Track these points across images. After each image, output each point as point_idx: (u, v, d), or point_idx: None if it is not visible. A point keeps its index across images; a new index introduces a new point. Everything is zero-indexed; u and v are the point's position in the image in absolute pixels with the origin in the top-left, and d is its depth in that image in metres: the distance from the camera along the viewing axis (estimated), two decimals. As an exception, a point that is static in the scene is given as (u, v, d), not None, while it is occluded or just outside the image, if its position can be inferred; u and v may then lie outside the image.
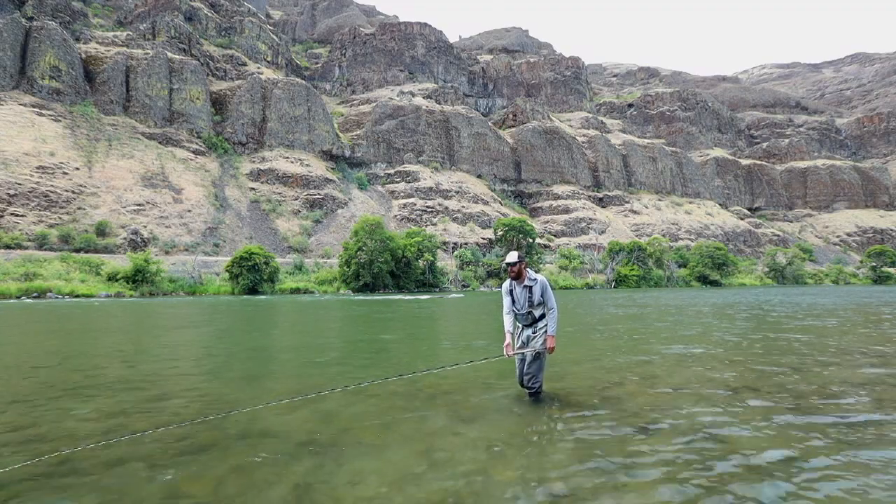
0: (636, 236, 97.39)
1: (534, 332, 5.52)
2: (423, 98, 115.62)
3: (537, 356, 5.50)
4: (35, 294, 37.68)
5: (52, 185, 57.39)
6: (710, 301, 30.44)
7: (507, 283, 5.63)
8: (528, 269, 5.63)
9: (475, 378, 6.95)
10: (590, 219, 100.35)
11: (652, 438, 4.36)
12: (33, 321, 18.19)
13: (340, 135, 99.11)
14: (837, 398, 5.81)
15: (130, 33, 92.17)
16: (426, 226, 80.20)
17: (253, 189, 78.32)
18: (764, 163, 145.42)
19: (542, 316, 5.53)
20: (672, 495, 3.27)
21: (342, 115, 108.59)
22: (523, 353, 5.56)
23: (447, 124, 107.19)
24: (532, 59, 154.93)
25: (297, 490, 3.36)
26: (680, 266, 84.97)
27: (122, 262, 47.17)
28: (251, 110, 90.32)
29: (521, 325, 5.66)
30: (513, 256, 5.49)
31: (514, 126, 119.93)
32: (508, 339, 5.48)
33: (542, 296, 5.42)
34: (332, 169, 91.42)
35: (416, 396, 5.93)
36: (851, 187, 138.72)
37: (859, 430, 4.61)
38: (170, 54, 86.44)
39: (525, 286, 5.50)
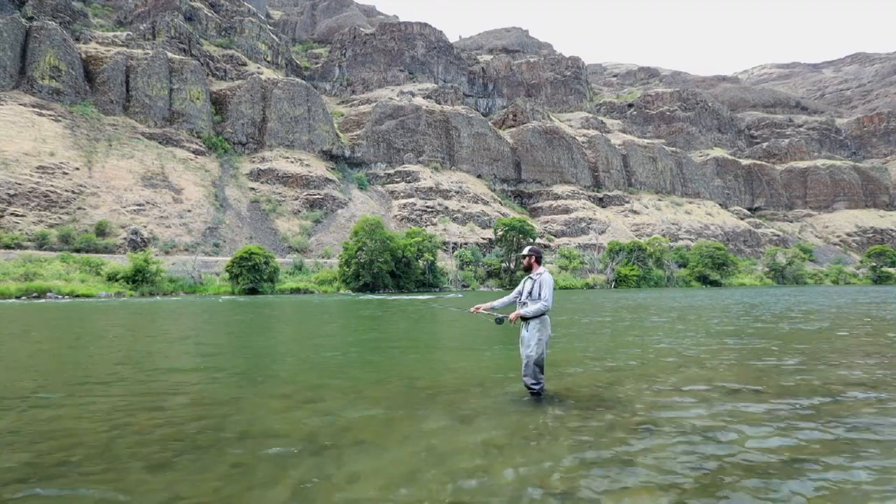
0: (636, 236, 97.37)
1: (527, 331, 5.58)
2: (423, 98, 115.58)
3: (531, 360, 5.54)
4: (35, 294, 37.67)
5: (52, 185, 57.38)
6: (709, 301, 30.44)
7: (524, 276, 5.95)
8: (540, 264, 5.84)
9: (475, 378, 6.95)
10: (590, 219, 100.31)
11: (652, 438, 4.37)
12: (33, 321, 18.19)
13: (340, 135, 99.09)
14: (838, 398, 5.81)
15: (130, 33, 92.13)
16: (426, 226, 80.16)
17: (253, 189, 78.30)
18: (764, 163, 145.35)
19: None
20: (672, 495, 3.27)
21: (342, 115, 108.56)
22: (496, 317, 5.77)
23: (447, 124, 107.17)
24: (532, 59, 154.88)
25: (297, 490, 3.37)
26: (680, 266, 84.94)
27: (122, 262, 47.17)
28: (251, 110, 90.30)
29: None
30: (525, 249, 5.84)
31: (514, 126, 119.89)
32: (486, 304, 5.91)
33: (539, 290, 5.54)
34: (332, 169, 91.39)
35: (415, 396, 5.93)
36: (851, 187, 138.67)
37: (861, 430, 4.62)
38: (170, 54, 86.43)
39: (532, 279, 5.71)
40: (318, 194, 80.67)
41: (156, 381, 7.01)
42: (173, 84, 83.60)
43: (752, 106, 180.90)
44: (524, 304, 5.63)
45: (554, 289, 5.65)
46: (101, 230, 55.58)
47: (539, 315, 5.50)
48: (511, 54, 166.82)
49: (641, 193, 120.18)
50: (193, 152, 78.79)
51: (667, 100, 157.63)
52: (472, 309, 5.92)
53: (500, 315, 5.74)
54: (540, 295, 5.50)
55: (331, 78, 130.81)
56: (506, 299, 5.92)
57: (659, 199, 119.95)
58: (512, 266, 67.89)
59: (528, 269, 5.80)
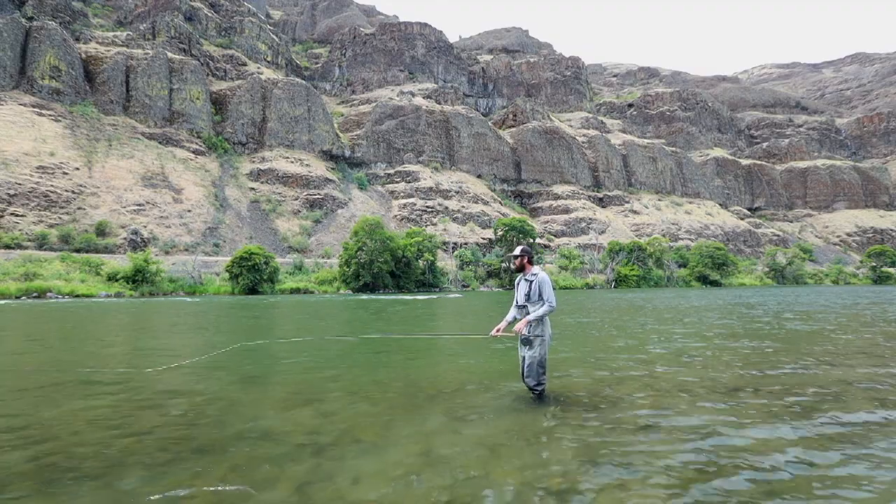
0: (636, 236, 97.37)
1: (529, 332, 5.53)
2: (423, 98, 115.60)
3: (535, 361, 5.49)
4: (35, 294, 37.67)
5: (52, 185, 57.37)
6: (708, 302, 30.43)
7: (518, 277, 5.85)
8: (532, 265, 5.74)
9: (475, 378, 6.95)
10: (590, 219, 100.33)
11: (652, 438, 4.36)
12: (33, 321, 18.19)
13: (340, 135, 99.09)
14: (838, 398, 5.80)
15: (130, 33, 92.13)
16: (426, 226, 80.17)
17: (253, 189, 78.31)
18: (764, 163, 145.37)
19: None
20: (672, 495, 3.27)
21: (342, 115, 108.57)
22: (521, 336, 5.58)
23: (447, 124, 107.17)
24: (532, 59, 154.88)
25: (297, 491, 3.36)
26: (680, 266, 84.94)
27: (122, 262, 47.16)
28: (251, 110, 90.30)
29: (518, 319, 5.72)
30: (517, 249, 5.73)
31: (514, 126, 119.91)
32: (502, 323, 5.66)
33: (539, 292, 5.46)
34: (332, 169, 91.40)
35: (416, 396, 5.93)
36: (851, 187, 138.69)
37: (861, 430, 4.61)
38: (170, 54, 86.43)
39: (527, 280, 5.62)
40: (318, 194, 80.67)
41: (155, 380, 7.00)
42: (173, 84, 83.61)
43: (752, 106, 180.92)
44: (524, 307, 5.57)
45: (554, 288, 5.63)
46: (101, 230, 55.58)
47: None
48: (511, 54, 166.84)
49: (641, 193, 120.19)
50: (193, 152, 78.79)
51: (667, 100, 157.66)
52: (492, 333, 5.64)
53: (525, 335, 5.55)
54: (541, 296, 5.46)
55: (331, 78, 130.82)
56: (510, 313, 5.78)
57: (659, 199, 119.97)
58: (511, 266, 67.94)
59: (520, 270, 5.73)
